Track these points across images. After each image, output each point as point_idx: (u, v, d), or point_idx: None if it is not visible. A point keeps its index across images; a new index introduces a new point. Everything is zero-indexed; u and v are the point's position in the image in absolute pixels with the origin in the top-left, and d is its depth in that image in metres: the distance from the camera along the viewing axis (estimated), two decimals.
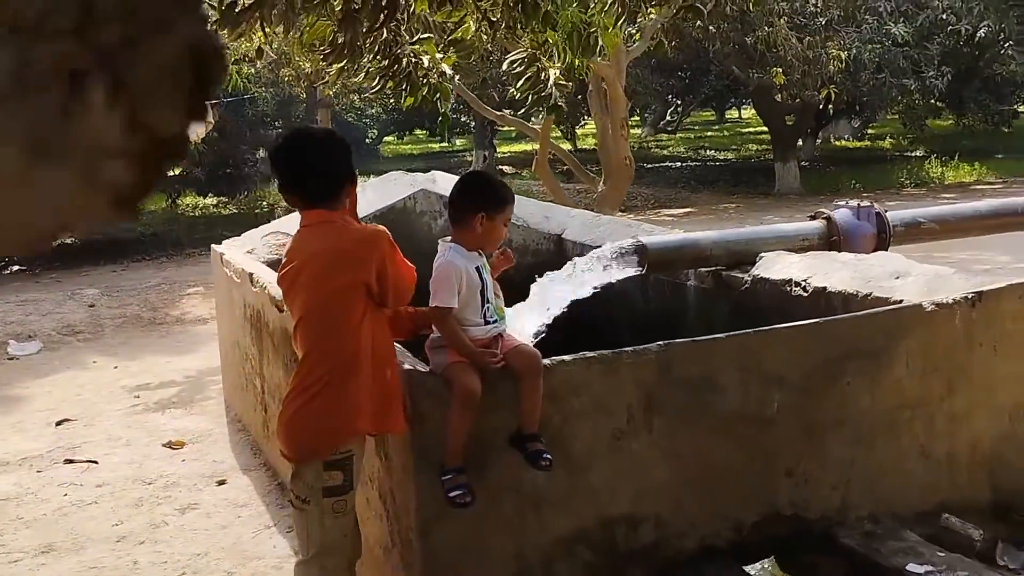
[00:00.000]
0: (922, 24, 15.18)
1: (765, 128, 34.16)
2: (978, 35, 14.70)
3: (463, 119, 31.77)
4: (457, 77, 5.79)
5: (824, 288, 4.34)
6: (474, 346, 2.96)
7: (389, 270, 2.82)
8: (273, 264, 5.66)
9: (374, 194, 6.17)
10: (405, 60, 4.94)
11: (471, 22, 5.01)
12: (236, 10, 4.34)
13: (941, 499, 3.59)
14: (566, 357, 3.12)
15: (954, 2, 14.13)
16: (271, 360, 4.68)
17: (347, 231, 2.88)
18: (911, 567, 3.15)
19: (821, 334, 3.43)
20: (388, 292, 2.83)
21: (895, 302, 3.95)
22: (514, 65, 4.99)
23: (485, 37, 4.90)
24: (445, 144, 35.53)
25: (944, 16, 14.98)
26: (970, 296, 3.59)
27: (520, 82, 4.98)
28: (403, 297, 2.92)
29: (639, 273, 4.94)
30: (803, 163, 20.19)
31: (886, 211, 5.23)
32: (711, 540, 3.31)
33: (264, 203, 19.74)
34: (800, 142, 18.84)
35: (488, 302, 3.03)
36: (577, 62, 4.82)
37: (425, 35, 5.03)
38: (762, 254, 4.92)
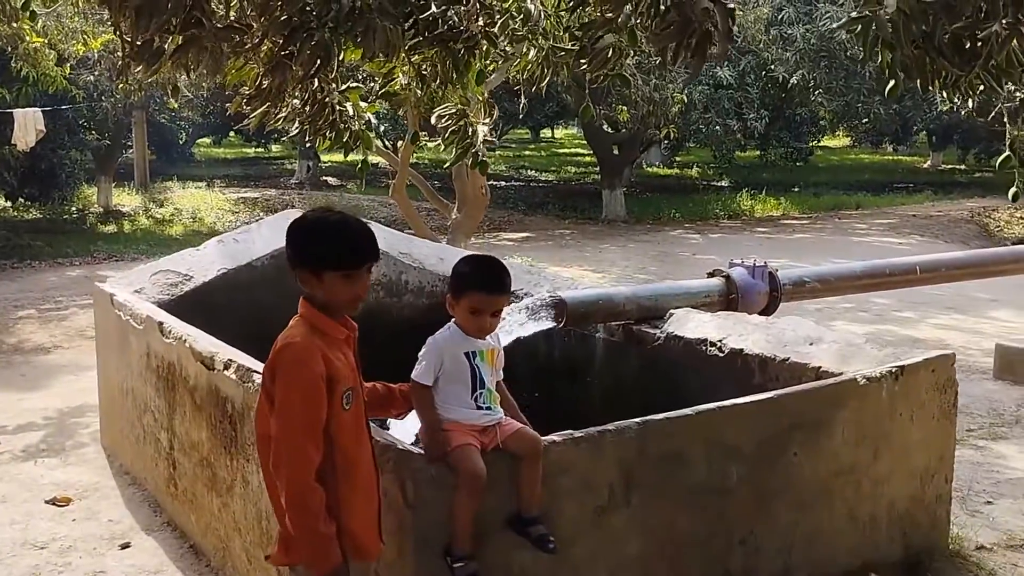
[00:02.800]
0: (744, 68, 16.20)
1: (581, 151, 35.35)
2: (791, 82, 15.81)
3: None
4: (383, 127, 5.71)
5: (740, 350, 4.60)
6: (438, 425, 2.97)
7: (278, 394, 2.56)
8: (163, 305, 5.39)
9: (272, 232, 5.96)
10: (329, 107, 4.85)
11: (400, 75, 4.98)
12: (154, 47, 4.13)
13: (864, 558, 3.90)
14: (555, 437, 3.18)
15: (772, 50, 15.16)
16: (189, 417, 4.45)
17: (283, 333, 2.66)
18: None
19: (773, 407, 3.65)
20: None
21: (812, 368, 4.26)
22: (442, 120, 5.00)
23: (419, 92, 4.87)
24: (261, 150, 34.53)
25: (763, 62, 16.04)
26: (894, 370, 3.92)
27: (447, 135, 5.00)
28: (278, 454, 2.55)
29: (556, 327, 5.08)
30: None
31: (776, 271, 5.60)
32: None
33: (74, 208, 18.56)
34: (628, 169, 19.61)
35: (481, 389, 3.03)
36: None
37: (353, 84, 4.95)
38: (671, 311, 5.16)
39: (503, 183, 25.40)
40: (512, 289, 3.43)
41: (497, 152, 34.94)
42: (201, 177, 24.71)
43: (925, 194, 22.65)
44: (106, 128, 17.33)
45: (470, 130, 4.94)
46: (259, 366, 3.99)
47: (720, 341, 4.73)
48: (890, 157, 34.35)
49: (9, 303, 10.14)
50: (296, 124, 4.99)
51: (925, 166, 30.48)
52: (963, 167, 30.02)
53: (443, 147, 5.12)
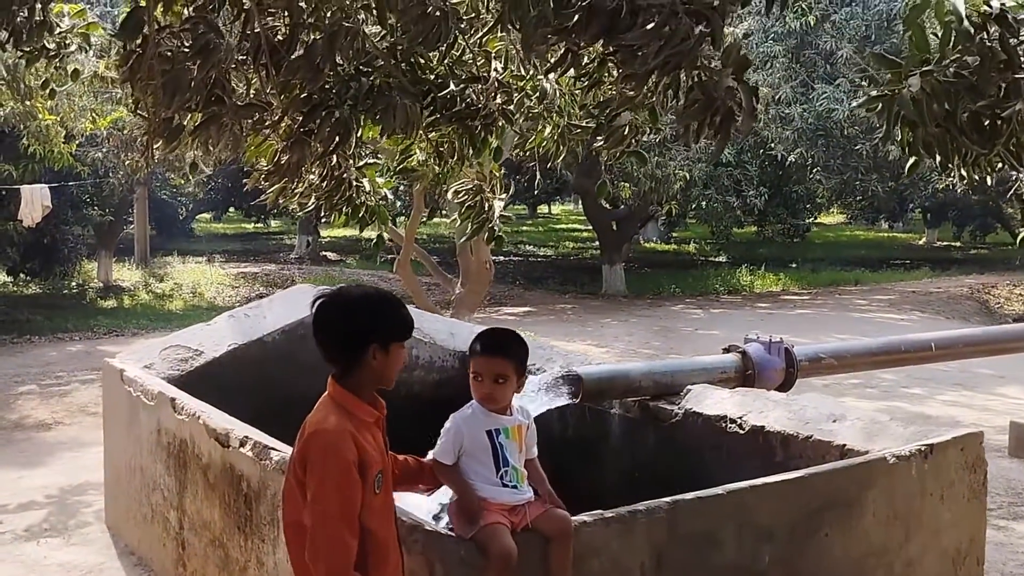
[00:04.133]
0: (743, 147, 16.41)
1: (579, 226, 35.59)
2: (789, 160, 15.99)
3: (281, 202, 31.26)
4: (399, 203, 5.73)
5: (762, 427, 4.53)
6: (471, 491, 2.91)
7: (311, 484, 2.50)
8: (173, 380, 5.32)
9: (283, 307, 5.93)
10: (346, 183, 4.87)
11: (417, 152, 5.01)
12: (173, 124, 4.15)
13: None
14: (586, 517, 3.10)
15: (771, 128, 15.37)
16: (201, 495, 4.36)
17: (312, 418, 2.62)
18: None
19: (804, 486, 3.57)
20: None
21: (837, 446, 4.19)
22: (459, 195, 5.02)
23: (436, 168, 4.90)
24: (260, 225, 34.71)
25: (762, 140, 16.26)
26: (923, 449, 3.86)
27: (463, 210, 5.01)
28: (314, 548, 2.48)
29: (571, 403, 5.02)
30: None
31: (792, 346, 5.56)
32: None
33: (74, 283, 18.52)
34: (627, 246, 19.72)
35: (505, 467, 2.97)
36: None
37: (371, 160, 4.98)
38: (688, 387, 5.11)
39: (502, 257, 25.48)
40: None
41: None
42: (201, 252, 24.77)
43: (923, 270, 22.75)
44: (109, 204, 17.41)
45: (486, 205, 4.95)
46: (275, 443, 3.92)
47: (740, 418, 4.66)
48: (885, 234, 34.64)
49: (9, 379, 10.03)
50: (313, 200, 5.00)
51: (920, 243, 30.72)
52: (958, 244, 30.27)
53: (458, 222, 5.13)
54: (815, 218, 29.72)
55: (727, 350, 5.58)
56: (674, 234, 31.80)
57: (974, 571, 4.04)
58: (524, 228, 37.48)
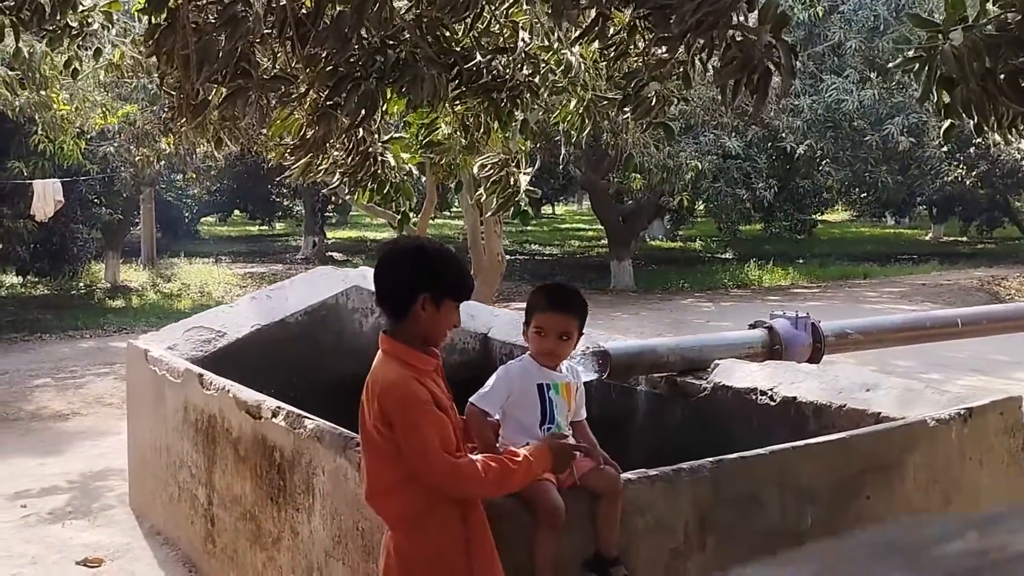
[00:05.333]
0: (751, 139, 16.38)
1: (584, 225, 35.57)
2: (798, 152, 15.96)
3: (286, 203, 31.33)
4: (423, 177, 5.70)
5: (794, 398, 4.50)
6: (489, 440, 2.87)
7: (401, 435, 2.50)
8: (196, 361, 5.29)
9: (305, 289, 5.91)
10: (371, 159, 4.85)
11: (444, 125, 4.99)
12: (199, 98, 4.14)
13: None
14: (631, 476, 3.07)
15: (781, 119, 15.35)
16: (231, 469, 4.33)
17: (375, 377, 2.60)
18: None
19: (846, 448, 3.54)
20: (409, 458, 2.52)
21: (872, 414, 4.15)
22: (485, 168, 4.99)
23: (463, 141, 4.88)
24: (265, 227, 34.69)
25: (771, 132, 16.23)
26: (962, 412, 3.83)
27: (489, 185, 4.98)
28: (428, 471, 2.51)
29: (598, 377, 4.98)
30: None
31: (819, 322, 5.53)
32: None
33: (81, 283, 18.50)
34: (634, 242, 19.69)
35: (551, 423, 2.94)
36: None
37: (397, 135, 4.96)
38: (716, 361, 5.07)
39: (509, 256, 25.39)
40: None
41: (502, 226, 35.17)
42: (207, 254, 24.76)
43: (931, 264, 22.70)
44: (118, 203, 17.40)
45: (511, 179, 4.92)
46: (306, 415, 3.89)
47: (771, 390, 4.63)
48: (891, 230, 34.58)
49: (24, 373, 10.02)
50: (337, 176, 4.98)
51: (927, 238, 30.66)
52: (965, 239, 30.20)
53: (484, 196, 5.10)
54: (821, 213, 29.68)
55: (753, 326, 5.55)
56: (680, 232, 31.73)
57: None
58: (529, 228, 37.43)
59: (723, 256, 25.25)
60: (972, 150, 19.25)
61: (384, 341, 2.62)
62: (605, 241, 22.20)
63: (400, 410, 2.47)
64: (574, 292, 3.09)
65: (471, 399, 2.96)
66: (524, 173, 4.97)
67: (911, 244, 29.35)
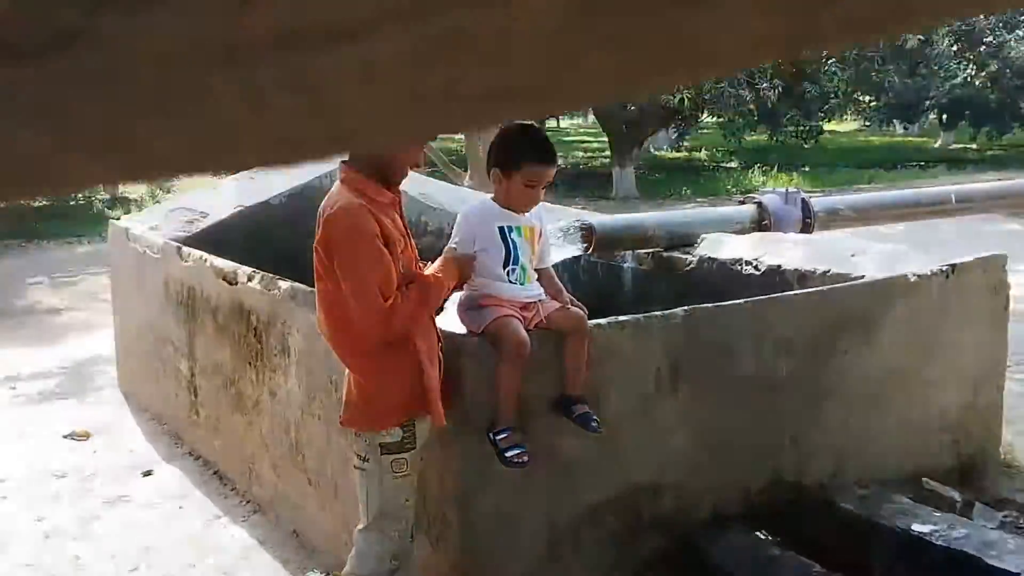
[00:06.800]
0: None
1: (588, 138, 35.15)
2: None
3: None
4: None
5: (779, 266, 4.43)
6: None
7: (340, 269, 2.45)
8: (179, 241, 5.25)
9: (289, 171, 5.83)
10: None
11: None
12: None
13: (916, 465, 3.75)
14: (601, 321, 3.04)
15: None
16: (211, 339, 4.32)
17: (327, 203, 2.54)
18: (915, 527, 3.25)
19: (823, 300, 3.50)
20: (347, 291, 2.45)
21: (857, 277, 4.10)
22: None
23: None
24: None
25: None
26: (945, 268, 3.77)
27: None
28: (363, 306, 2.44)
29: (583, 253, 4.92)
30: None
31: (809, 197, 5.44)
32: (723, 507, 3.31)
33: (80, 196, 18.39)
34: (637, 149, 19.47)
35: (514, 265, 2.89)
36: None
37: None
38: (703, 236, 5.01)
39: None
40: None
41: None
42: None
43: (938, 169, 22.41)
44: None
45: None
46: (281, 278, 3.86)
47: (756, 259, 4.57)
48: (899, 139, 34.11)
49: (20, 273, 10.03)
50: None
51: (935, 146, 30.23)
52: (974, 146, 29.77)
53: None
54: (829, 121, 29.23)
55: (743, 202, 5.47)
56: (685, 143, 31.34)
57: (994, 396, 3.98)
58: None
59: (728, 165, 24.96)
60: (982, 48, 18.82)
61: (342, 169, 2.55)
62: (609, 153, 21.94)
63: (344, 238, 2.41)
64: (548, 137, 3.01)
65: (449, 248, 2.91)
66: None
67: (919, 152, 28.93)
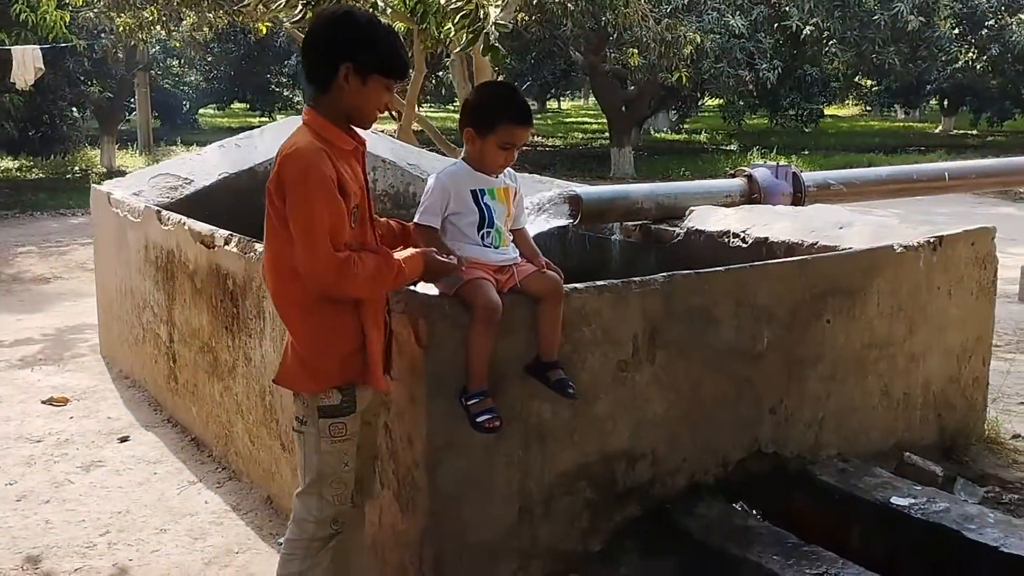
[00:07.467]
0: (756, 18, 15.90)
1: (588, 119, 35.04)
2: (804, 32, 15.50)
3: (286, 93, 30.85)
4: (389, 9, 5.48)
5: (766, 238, 4.37)
6: (450, 252, 2.76)
7: (291, 211, 2.31)
8: (163, 207, 5.19)
9: (275, 138, 5.75)
10: None
11: None
12: None
13: (898, 439, 3.70)
14: (578, 285, 2.98)
15: None
16: (189, 303, 4.26)
17: (285, 144, 2.40)
18: (895, 500, 3.21)
19: (807, 270, 3.44)
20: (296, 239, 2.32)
21: (845, 249, 4.04)
22: (452, 1, 4.78)
23: None
24: (265, 118, 34.20)
25: (776, 13, 15.76)
26: (932, 240, 3.71)
27: (457, 18, 4.78)
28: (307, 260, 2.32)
29: (570, 223, 4.86)
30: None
31: (801, 171, 5.38)
32: (700, 477, 3.26)
33: (76, 168, 18.32)
34: (636, 130, 19.36)
35: (490, 227, 2.83)
36: None
37: None
38: (691, 208, 4.94)
39: None
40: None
41: None
42: (205, 143, 24.38)
43: (938, 154, 22.29)
44: (107, 84, 17.08)
45: (481, 12, 4.71)
46: (256, 240, 3.79)
47: (744, 232, 4.51)
48: (900, 124, 33.97)
49: (10, 242, 9.98)
50: (300, 7, 4.79)
51: (936, 131, 30.10)
52: (975, 132, 29.64)
53: (453, 32, 4.91)
54: (829, 104, 29.09)
55: (733, 175, 5.40)
56: (685, 125, 31.22)
57: (979, 371, 3.93)
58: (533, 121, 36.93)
59: (727, 148, 24.85)
60: (984, 31, 18.67)
61: (306, 111, 2.47)
62: (608, 133, 21.84)
63: (298, 179, 2.30)
64: (524, 97, 2.94)
65: (416, 220, 2.83)
66: (494, 6, 4.76)
67: (920, 136, 28.80)
